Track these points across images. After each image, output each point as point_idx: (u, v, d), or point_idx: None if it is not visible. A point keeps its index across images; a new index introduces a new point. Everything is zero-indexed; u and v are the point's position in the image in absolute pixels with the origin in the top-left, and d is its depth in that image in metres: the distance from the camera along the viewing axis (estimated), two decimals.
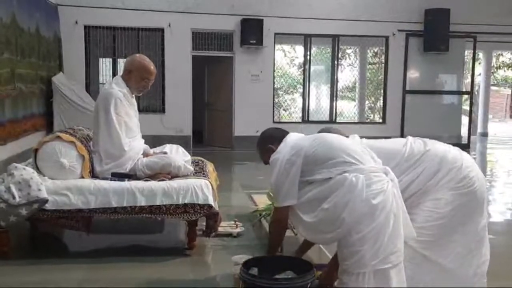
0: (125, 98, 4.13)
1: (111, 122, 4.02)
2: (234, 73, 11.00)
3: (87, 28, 10.30)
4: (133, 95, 4.29)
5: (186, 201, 3.92)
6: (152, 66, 4.22)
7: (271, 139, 3.13)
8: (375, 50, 12.77)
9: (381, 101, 12.02)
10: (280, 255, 3.42)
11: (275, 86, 11.64)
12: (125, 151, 4.08)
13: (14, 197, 3.69)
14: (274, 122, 11.24)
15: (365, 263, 2.49)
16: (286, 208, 2.81)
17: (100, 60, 10.96)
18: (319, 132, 3.24)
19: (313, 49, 11.77)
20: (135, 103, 4.35)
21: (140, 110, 4.40)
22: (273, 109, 11.38)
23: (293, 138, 3.00)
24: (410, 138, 3.06)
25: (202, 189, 3.96)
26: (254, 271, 2.86)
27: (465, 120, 12.36)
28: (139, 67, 4.17)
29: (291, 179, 2.75)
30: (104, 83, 10.59)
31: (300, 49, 12.38)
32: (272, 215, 2.75)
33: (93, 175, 4.13)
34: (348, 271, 2.56)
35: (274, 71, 11.35)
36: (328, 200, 2.57)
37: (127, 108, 4.14)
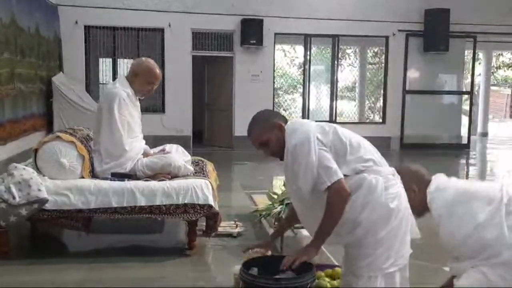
0: (129, 98, 4.13)
1: (114, 121, 4.02)
2: (234, 73, 11.00)
3: (87, 28, 10.30)
4: (137, 97, 4.29)
5: (186, 201, 3.92)
6: (158, 72, 4.22)
7: (274, 115, 2.72)
8: (375, 50, 12.78)
9: (381, 101, 12.02)
10: (281, 255, 3.42)
11: (275, 86, 11.64)
12: (126, 151, 4.08)
13: (14, 197, 3.69)
14: None
15: (377, 267, 2.43)
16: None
17: (100, 60, 10.96)
18: None
19: (313, 49, 11.77)
20: (139, 104, 4.35)
21: (140, 110, 4.40)
22: (273, 109, 11.36)
23: (305, 120, 2.74)
24: (504, 182, 2.88)
25: (202, 189, 3.96)
26: (254, 271, 2.86)
27: (465, 120, 12.35)
28: (146, 71, 4.16)
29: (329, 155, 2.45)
30: (105, 83, 10.62)
31: (300, 49, 12.38)
32: (332, 194, 2.37)
33: (93, 175, 4.13)
34: (357, 274, 2.47)
35: (274, 71, 11.35)
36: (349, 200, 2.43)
37: (130, 108, 4.14)
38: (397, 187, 2.50)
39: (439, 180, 2.66)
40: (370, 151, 2.55)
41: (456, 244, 2.47)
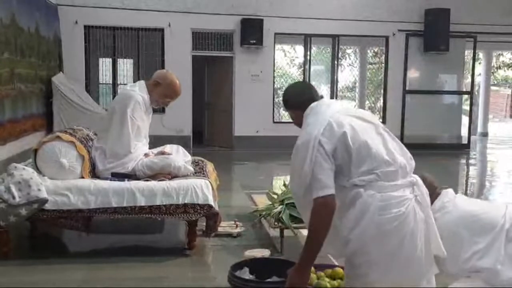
0: (144, 103, 4.16)
1: (126, 123, 4.05)
2: (234, 73, 11.00)
3: (87, 28, 10.29)
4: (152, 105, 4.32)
5: (186, 201, 3.92)
6: (179, 88, 4.27)
7: (302, 94, 2.54)
8: (375, 50, 12.77)
9: (381, 101, 12.01)
10: (273, 258, 3.41)
11: (275, 86, 11.64)
12: (130, 152, 4.11)
13: (14, 197, 3.69)
14: (274, 122, 11.26)
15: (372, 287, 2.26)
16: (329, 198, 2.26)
17: (100, 60, 10.97)
18: None
19: (313, 49, 11.77)
20: (151, 112, 4.38)
21: None
22: (273, 109, 11.38)
23: (323, 109, 2.43)
24: (509, 207, 2.66)
25: (202, 189, 3.96)
26: (246, 270, 2.86)
27: (465, 120, 12.35)
28: (169, 84, 4.21)
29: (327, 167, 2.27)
30: (105, 83, 10.65)
31: (300, 49, 12.37)
32: (315, 208, 2.23)
33: (94, 173, 4.14)
34: None
35: (274, 71, 11.34)
36: (338, 216, 2.27)
37: (142, 113, 4.18)
38: (401, 205, 2.23)
39: (445, 199, 2.64)
40: (380, 161, 2.26)
41: (451, 265, 2.52)
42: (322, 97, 2.54)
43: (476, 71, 13.15)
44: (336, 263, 3.36)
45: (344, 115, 2.37)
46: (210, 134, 11.74)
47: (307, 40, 11.38)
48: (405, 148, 2.41)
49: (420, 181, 2.36)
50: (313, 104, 2.45)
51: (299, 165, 2.30)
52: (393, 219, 2.21)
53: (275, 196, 4.44)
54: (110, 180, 3.99)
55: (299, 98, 2.52)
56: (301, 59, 12.29)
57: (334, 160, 2.26)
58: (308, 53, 11.46)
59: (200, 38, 10.85)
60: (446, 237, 2.46)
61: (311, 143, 2.27)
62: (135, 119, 4.10)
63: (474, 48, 11.92)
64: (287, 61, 14.58)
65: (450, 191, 2.76)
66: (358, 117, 2.39)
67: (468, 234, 2.53)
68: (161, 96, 4.22)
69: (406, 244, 2.23)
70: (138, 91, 4.15)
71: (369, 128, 2.36)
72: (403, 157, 2.34)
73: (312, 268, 3.43)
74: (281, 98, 13.09)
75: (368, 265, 2.24)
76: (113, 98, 9.51)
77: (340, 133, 2.27)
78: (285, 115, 12.76)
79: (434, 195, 2.62)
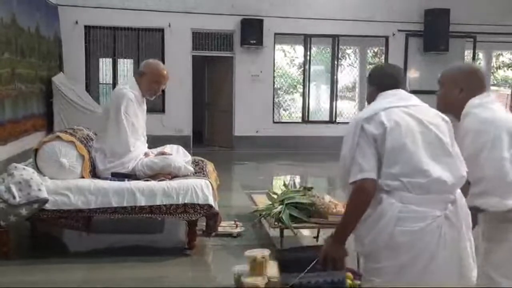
0: (136, 99, 4.18)
1: (121, 121, 4.07)
2: (234, 73, 11.00)
3: (87, 28, 10.30)
4: (144, 98, 4.33)
5: (186, 201, 3.92)
6: (165, 71, 4.31)
7: (383, 76, 2.44)
8: (375, 50, 12.77)
9: None
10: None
11: (275, 86, 11.65)
12: (130, 151, 4.12)
13: (14, 197, 3.70)
14: (274, 122, 11.26)
15: None
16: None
17: (100, 60, 10.98)
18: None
19: (313, 49, 11.77)
20: (145, 107, 4.40)
21: None
22: (273, 109, 11.38)
23: (387, 102, 2.29)
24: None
25: (202, 189, 3.97)
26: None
27: None
28: (153, 70, 4.25)
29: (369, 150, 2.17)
30: (105, 83, 10.66)
31: (300, 49, 12.36)
32: (352, 192, 2.18)
33: (94, 174, 4.14)
34: None
35: (274, 71, 11.35)
36: (363, 217, 2.19)
37: (136, 109, 4.20)
38: (422, 221, 2.10)
39: (485, 99, 2.45)
40: (412, 169, 2.13)
41: (473, 168, 2.29)
42: (404, 87, 2.41)
43: None
44: None
45: (401, 111, 2.23)
46: (210, 134, 11.74)
47: (307, 40, 11.38)
48: (462, 165, 2.22)
49: (462, 202, 2.18)
50: (389, 91, 2.35)
51: (344, 148, 2.23)
52: (408, 233, 2.10)
53: (275, 196, 4.45)
54: (110, 180, 4.00)
55: (381, 77, 2.43)
56: (301, 59, 12.29)
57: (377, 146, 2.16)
58: (308, 53, 11.47)
59: (200, 38, 10.86)
60: (472, 135, 2.34)
61: (354, 126, 2.20)
62: (129, 116, 4.11)
63: (474, 48, 11.93)
64: (287, 61, 14.55)
65: (491, 94, 2.55)
66: (416, 118, 2.23)
67: (495, 138, 2.29)
68: (150, 84, 4.25)
69: (420, 262, 2.11)
70: (129, 88, 4.19)
71: (420, 132, 2.20)
72: (450, 172, 2.16)
73: None
74: (281, 99, 13.16)
75: (377, 272, 2.19)
76: None
77: (382, 126, 2.16)
78: (285, 115, 12.78)
79: (476, 87, 2.48)
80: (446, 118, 2.34)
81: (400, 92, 2.35)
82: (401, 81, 2.42)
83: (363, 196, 2.14)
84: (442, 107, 2.53)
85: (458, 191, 2.21)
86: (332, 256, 2.24)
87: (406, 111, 2.24)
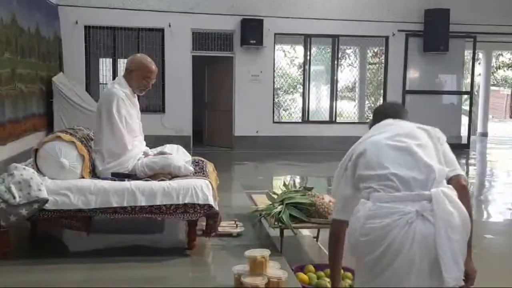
0: (127, 98, 4.15)
1: (114, 121, 4.03)
2: (234, 73, 11.01)
3: (87, 28, 10.31)
4: (135, 95, 4.30)
5: (186, 201, 3.91)
6: (153, 65, 4.23)
7: (381, 112, 2.76)
8: (375, 50, 12.78)
9: (381, 101, 12.01)
10: None
11: (275, 86, 11.65)
12: (128, 150, 4.10)
13: (14, 197, 3.69)
14: (274, 122, 11.27)
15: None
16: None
17: (100, 60, 10.98)
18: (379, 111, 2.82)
19: (313, 49, 11.78)
20: (138, 104, 4.37)
21: (140, 110, 4.41)
22: (273, 109, 11.39)
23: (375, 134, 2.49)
24: None
25: (202, 189, 3.96)
26: None
27: (465, 120, 12.37)
28: (140, 66, 4.19)
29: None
30: (105, 83, 10.62)
31: (300, 49, 12.38)
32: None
33: (94, 175, 4.14)
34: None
35: (274, 71, 11.36)
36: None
37: (128, 107, 4.16)
38: (391, 218, 2.15)
39: None
40: (379, 174, 2.27)
41: None
42: (399, 117, 2.60)
43: (476, 71, 13.17)
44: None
45: (386, 137, 2.39)
46: (210, 134, 11.75)
47: (307, 40, 11.39)
48: (433, 162, 2.33)
49: (441, 200, 2.15)
50: (378, 124, 2.57)
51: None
52: (375, 229, 2.16)
53: (275, 196, 4.44)
54: (111, 180, 4.00)
55: (377, 113, 2.75)
56: (301, 59, 12.30)
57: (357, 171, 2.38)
58: (308, 53, 11.47)
59: (200, 38, 10.86)
60: None
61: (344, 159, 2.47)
62: (122, 115, 4.08)
63: (474, 48, 11.94)
64: (287, 61, 14.58)
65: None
66: (387, 135, 2.40)
67: None
68: (139, 80, 4.19)
69: (387, 256, 2.14)
70: (119, 87, 4.13)
71: (386, 144, 2.35)
72: (419, 170, 2.25)
73: (312, 268, 3.45)
74: (281, 98, 13.17)
75: (357, 271, 2.35)
76: None
77: (359, 151, 2.39)
78: (285, 115, 12.79)
79: None
80: (426, 127, 2.51)
81: (387, 121, 2.54)
82: (394, 112, 2.66)
83: (332, 236, 2.50)
84: None
85: (440, 189, 2.20)
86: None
87: (392, 135, 2.40)
